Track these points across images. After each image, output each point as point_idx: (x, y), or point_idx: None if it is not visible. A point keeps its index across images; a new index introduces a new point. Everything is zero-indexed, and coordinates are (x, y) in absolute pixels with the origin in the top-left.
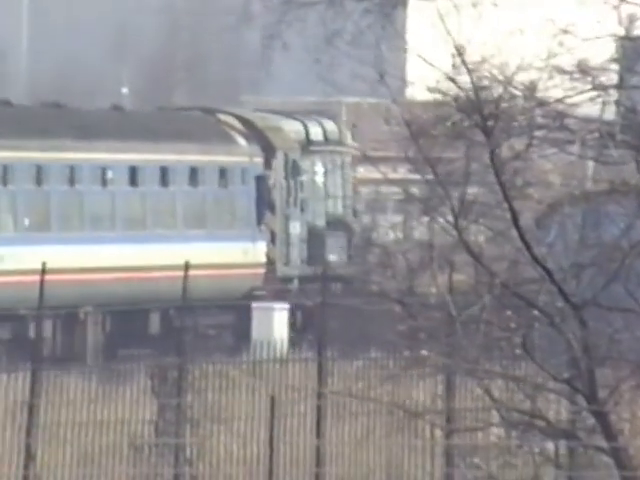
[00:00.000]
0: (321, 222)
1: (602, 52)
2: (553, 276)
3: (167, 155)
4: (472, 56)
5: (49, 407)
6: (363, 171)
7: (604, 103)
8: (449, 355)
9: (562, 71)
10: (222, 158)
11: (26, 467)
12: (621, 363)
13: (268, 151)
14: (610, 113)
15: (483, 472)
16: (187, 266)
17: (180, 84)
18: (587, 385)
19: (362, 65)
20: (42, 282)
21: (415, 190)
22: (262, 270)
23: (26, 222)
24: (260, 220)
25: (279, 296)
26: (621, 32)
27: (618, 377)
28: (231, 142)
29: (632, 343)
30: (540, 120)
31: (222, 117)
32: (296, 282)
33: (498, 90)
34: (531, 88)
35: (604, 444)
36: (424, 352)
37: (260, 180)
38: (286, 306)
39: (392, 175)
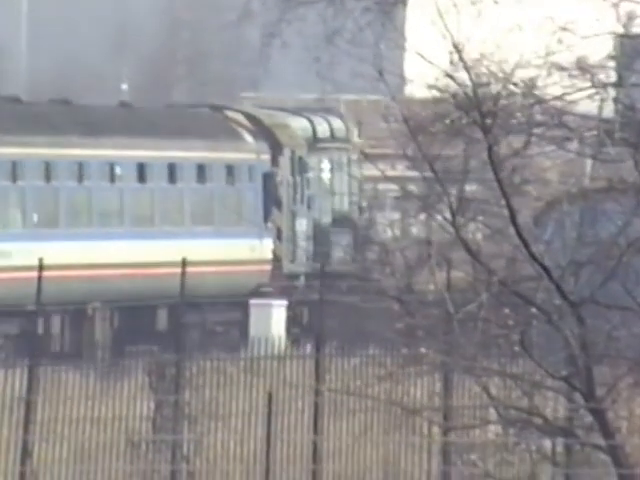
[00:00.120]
0: (327, 219)
1: (601, 50)
2: (551, 274)
3: (175, 152)
4: (471, 53)
5: (46, 403)
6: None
7: (602, 100)
8: (447, 353)
9: (561, 68)
10: (229, 155)
11: (23, 463)
12: (619, 361)
13: (275, 148)
14: (609, 111)
15: (480, 469)
16: (184, 263)
17: (180, 81)
18: (585, 383)
19: (361, 63)
20: (40, 278)
21: (413, 187)
22: (269, 267)
23: (34, 218)
24: (267, 217)
25: (285, 293)
26: (620, 30)
27: (616, 375)
28: (238, 139)
29: (630, 340)
30: (539, 117)
31: (229, 114)
32: (302, 279)
33: (497, 87)
34: (530, 85)
35: (601, 442)
36: (422, 350)
37: (267, 177)
38: (284, 303)
39: (390, 172)
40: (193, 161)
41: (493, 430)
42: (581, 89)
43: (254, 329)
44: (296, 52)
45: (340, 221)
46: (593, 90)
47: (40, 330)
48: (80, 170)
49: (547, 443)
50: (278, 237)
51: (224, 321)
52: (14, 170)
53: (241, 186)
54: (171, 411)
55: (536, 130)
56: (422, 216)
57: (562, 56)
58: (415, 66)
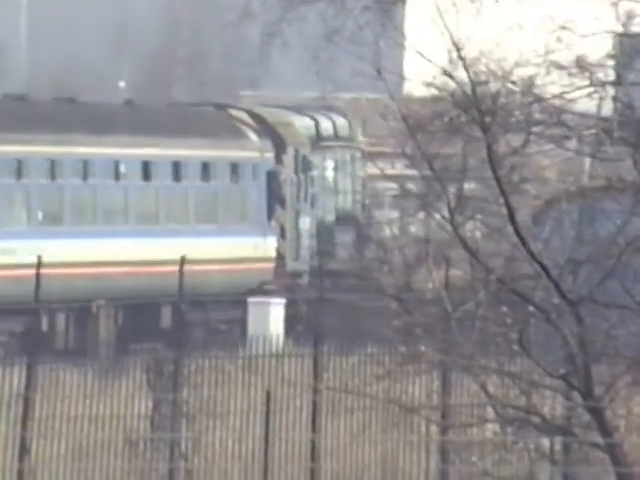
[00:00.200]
0: (331, 217)
1: (600, 48)
2: (549, 272)
3: (179, 150)
4: (470, 52)
5: (44, 401)
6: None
7: (601, 99)
8: (445, 351)
9: (560, 67)
10: (233, 153)
11: (21, 460)
12: (617, 359)
13: (279, 146)
14: (607, 110)
15: (478, 468)
16: (183, 261)
17: (180, 80)
18: (583, 381)
19: (361, 61)
20: (38, 275)
21: (412, 186)
22: (272, 265)
23: (39, 216)
24: (271, 215)
25: (289, 291)
26: (619, 29)
27: (614, 373)
28: (242, 137)
29: (628, 339)
30: (537, 116)
31: (233, 113)
32: (306, 277)
33: (496, 86)
34: (529, 84)
35: (600, 440)
36: (421, 348)
37: (271, 175)
38: (282, 301)
39: (389, 171)
40: (197, 159)
41: (491, 429)
42: (580, 88)
43: (252, 327)
44: (296, 51)
45: (344, 219)
46: (592, 89)
47: (44, 327)
48: (85, 168)
49: (545, 442)
50: (282, 235)
51: (227, 319)
52: (19, 168)
53: (245, 184)
54: (169, 409)
55: (535, 128)
56: (421, 215)
57: (561, 55)
58: (414, 64)
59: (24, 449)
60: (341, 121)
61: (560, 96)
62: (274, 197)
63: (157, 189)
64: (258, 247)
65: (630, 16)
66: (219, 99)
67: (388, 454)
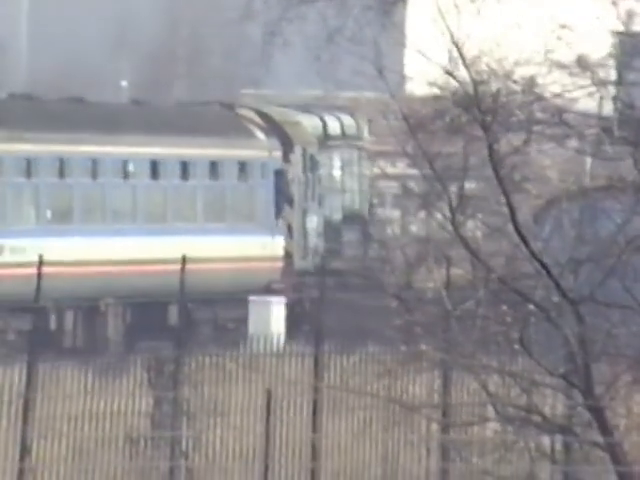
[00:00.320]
0: (338, 216)
1: (601, 48)
2: (550, 271)
3: (187, 149)
4: (471, 51)
5: (45, 400)
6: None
7: (602, 98)
8: (446, 350)
9: (561, 66)
10: (241, 152)
11: (21, 460)
12: (617, 358)
13: (287, 145)
14: (608, 109)
15: (478, 467)
16: (184, 260)
17: (180, 78)
18: (583, 380)
19: (362, 61)
20: (39, 275)
21: (413, 185)
22: (280, 264)
23: (48, 214)
24: (278, 214)
25: (296, 289)
26: (620, 28)
27: (614, 372)
28: (250, 136)
29: (628, 338)
30: (538, 115)
31: (241, 112)
32: (313, 276)
33: (496, 85)
34: (530, 83)
35: (600, 439)
36: (421, 347)
37: (279, 174)
38: (283, 300)
39: (390, 170)
40: (205, 158)
41: (492, 427)
42: (581, 87)
43: (253, 326)
44: (297, 50)
45: (351, 218)
46: (593, 88)
47: (53, 326)
48: (94, 167)
49: (546, 440)
50: (289, 234)
51: (235, 318)
52: (28, 167)
53: (253, 183)
54: (170, 408)
55: (536, 128)
56: (422, 214)
57: (562, 54)
58: (415, 64)
59: (25, 448)
60: (348, 120)
61: (561, 95)
62: (282, 196)
63: (165, 188)
64: (266, 246)
65: (630, 15)
66: (220, 98)
67: (389, 453)
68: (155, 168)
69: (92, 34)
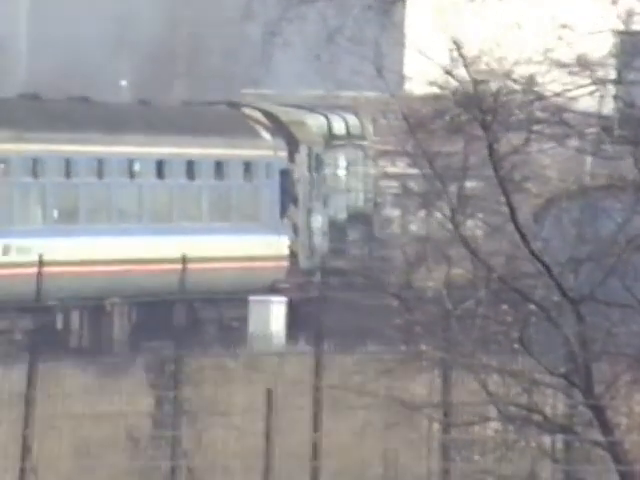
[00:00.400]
0: (343, 215)
1: (601, 47)
2: (550, 270)
3: (193, 149)
4: (471, 50)
5: (46, 399)
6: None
7: (602, 97)
8: (446, 349)
9: (561, 65)
10: (247, 152)
11: (23, 459)
12: (618, 358)
13: (292, 145)
14: (608, 108)
15: (480, 466)
16: (184, 259)
17: (180, 77)
18: (584, 379)
19: (362, 60)
20: (39, 274)
21: (413, 184)
22: (285, 263)
23: (55, 214)
24: (284, 213)
25: (302, 288)
26: (620, 27)
27: (615, 372)
28: (256, 136)
29: (629, 338)
30: (538, 114)
31: (247, 111)
32: (318, 274)
33: (496, 84)
34: (529, 82)
35: (601, 438)
36: (422, 346)
37: (284, 174)
38: (283, 299)
39: (390, 169)
40: (211, 158)
41: (493, 427)
42: (581, 86)
43: (253, 326)
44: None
45: (355, 217)
46: (593, 87)
47: (59, 325)
48: (100, 167)
49: (547, 440)
50: (294, 233)
51: (241, 317)
52: (35, 167)
53: (258, 183)
54: (171, 407)
55: (536, 127)
56: (422, 213)
57: (562, 53)
58: (415, 63)
59: (26, 448)
60: (353, 120)
61: (561, 94)
62: (287, 195)
63: (171, 188)
64: (271, 245)
65: (630, 14)
66: (219, 97)
67: (390, 452)
68: (161, 168)
69: (92, 34)
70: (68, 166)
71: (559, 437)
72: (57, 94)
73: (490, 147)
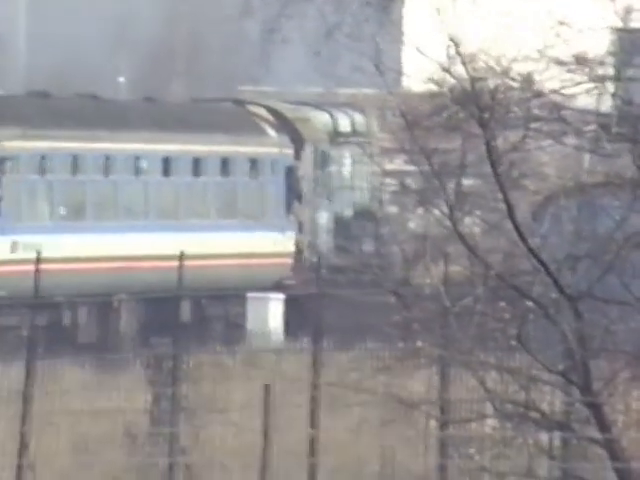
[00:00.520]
0: (348, 212)
1: (599, 44)
2: (548, 268)
3: (199, 146)
4: (468, 47)
5: (44, 396)
6: None
7: (600, 95)
8: (443, 346)
9: (559, 62)
10: (253, 149)
11: (20, 456)
12: (616, 355)
13: (297, 142)
14: (607, 105)
15: (477, 463)
16: (182, 256)
17: (179, 75)
18: (581, 377)
19: (360, 57)
20: (37, 271)
21: (410, 181)
22: (291, 260)
23: (62, 211)
24: (289, 210)
25: (308, 285)
26: (618, 24)
27: (612, 369)
28: (261, 133)
29: (627, 335)
30: (536, 112)
31: (253, 108)
32: (323, 271)
33: (494, 81)
34: (527, 79)
35: (598, 436)
36: (419, 343)
37: (289, 171)
38: (281, 296)
39: (388, 166)
40: (217, 155)
41: (490, 424)
42: (579, 83)
43: (252, 323)
44: (295, 47)
45: (361, 214)
46: (591, 84)
47: (66, 322)
48: (106, 164)
49: (544, 437)
50: (300, 230)
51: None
52: (42, 164)
53: (264, 180)
54: (169, 404)
55: (534, 124)
56: (419, 210)
57: (560, 50)
58: (413, 60)
59: (24, 445)
60: (359, 117)
61: (559, 92)
62: (292, 192)
63: (177, 185)
64: (277, 242)
65: (628, 11)
66: (218, 95)
67: (387, 449)
68: (167, 165)
69: (91, 32)
70: (75, 163)
71: (556, 434)
72: (57, 92)
73: (488, 144)
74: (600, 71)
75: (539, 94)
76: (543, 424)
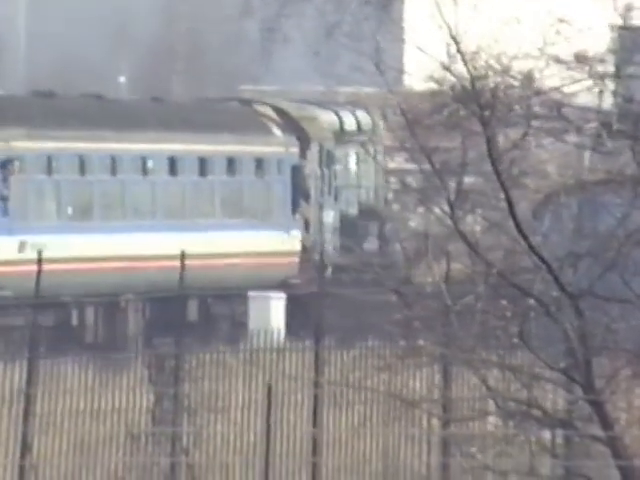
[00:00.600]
0: (354, 211)
1: (599, 41)
2: (549, 265)
3: (205, 145)
4: (469, 46)
5: (46, 396)
6: None
7: (601, 92)
8: (445, 345)
9: (559, 60)
10: (258, 148)
11: (22, 456)
12: (617, 352)
13: (303, 141)
14: (607, 103)
15: (479, 461)
16: (183, 256)
17: (179, 74)
18: (583, 374)
19: (360, 56)
20: (39, 272)
21: (411, 180)
22: (297, 259)
23: (69, 211)
24: (295, 209)
25: (312, 285)
26: (618, 21)
27: (614, 366)
28: (267, 132)
29: (628, 332)
30: (537, 109)
31: (258, 108)
32: (330, 270)
33: (495, 79)
34: (528, 77)
35: (600, 433)
36: (421, 342)
37: (295, 170)
38: (282, 295)
39: (389, 165)
40: (223, 154)
41: (492, 422)
42: (579, 81)
43: (253, 321)
44: (295, 46)
45: (366, 213)
46: (591, 82)
47: (74, 322)
48: (113, 164)
49: (546, 435)
50: (306, 229)
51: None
52: (49, 164)
53: (270, 179)
54: (170, 404)
55: (534, 122)
56: (421, 209)
57: (560, 48)
58: (414, 59)
59: (26, 445)
60: (364, 116)
61: (559, 89)
62: (298, 191)
63: (184, 184)
64: (283, 241)
65: (629, 9)
66: (218, 93)
67: (389, 448)
68: (173, 164)
69: (90, 31)
70: (82, 163)
71: (559, 432)
72: (58, 92)
73: (489, 142)
74: (600, 69)
75: (540, 92)
76: (545, 422)
